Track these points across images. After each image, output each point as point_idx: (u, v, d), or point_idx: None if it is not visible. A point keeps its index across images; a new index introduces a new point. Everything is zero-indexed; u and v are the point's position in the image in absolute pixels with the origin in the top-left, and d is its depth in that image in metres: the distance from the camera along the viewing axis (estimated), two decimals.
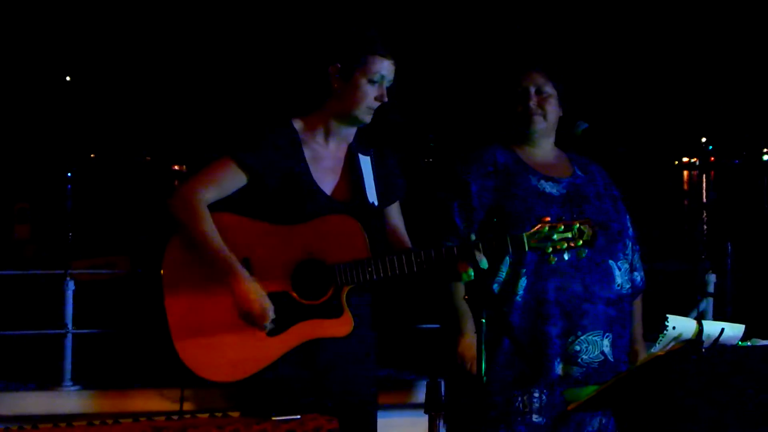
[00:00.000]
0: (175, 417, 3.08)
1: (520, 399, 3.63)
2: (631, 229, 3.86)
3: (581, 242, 3.31)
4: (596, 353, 3.67)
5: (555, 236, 3.30)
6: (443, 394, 3.69)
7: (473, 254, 3.25)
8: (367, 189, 3.50)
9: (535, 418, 3.62)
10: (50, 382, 5.45)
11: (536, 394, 3.63)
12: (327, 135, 3.52)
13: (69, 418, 3.09)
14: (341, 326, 3.36)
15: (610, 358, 3.69)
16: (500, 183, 3.73)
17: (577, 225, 3.31)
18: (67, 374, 5.44)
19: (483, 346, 3.02)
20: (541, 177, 3.76)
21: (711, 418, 2.94)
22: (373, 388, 3.54)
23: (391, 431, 4.02)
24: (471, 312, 3.70)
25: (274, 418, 3.02)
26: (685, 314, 4.35)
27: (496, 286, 3.66)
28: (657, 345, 3.02)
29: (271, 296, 3.31)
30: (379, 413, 3.58)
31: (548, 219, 3.33)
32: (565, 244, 3.30)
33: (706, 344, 2.97)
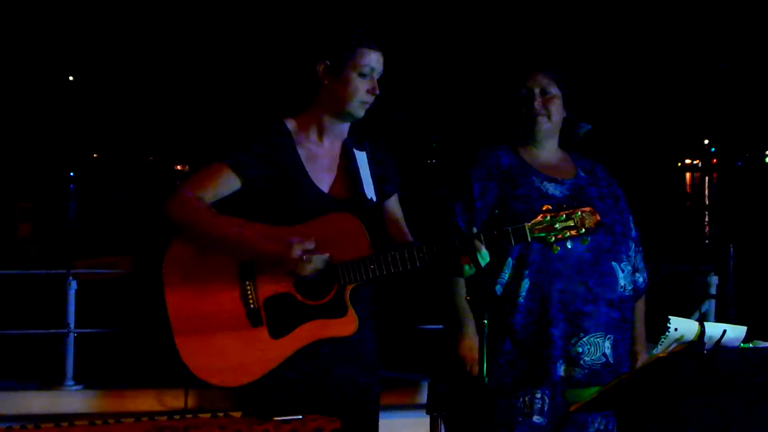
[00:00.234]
0: (176, 417, 3.08)
1: (522, 400, 3.63)
2: (633, 231, 3.86)
3: (583, 230, 3.31)
4: (598, 355, 3.67)
5: (557, 225, 3.30)
6: (445, 394, 3.70)
7: (474, 249, 3.24)
8: (364, 185, 3.49)
9: (536, 419, 3.62)
10: (52, 381, 5.45)
11: (538, 396, 3.63)
12: (321, 133, 3.50)
13: (71, 418, 3.09)
14: (346, 325, 3.36)
15: (611, 359, 3.69)
16: (503, 184, 3.73)
17: (579, 213, 3.31)
18: (69, 374, 5.44)
19: (485, 347, 3.02)
20: (545, 178, 3.76)
21: (713, 420, 2.94)
22: (375, 389, 3.54)
23: None
24: (473, 312, 3.71)
25: (275, 419, 3.02)
26: (687, 316, 4.35)
27: (498, 288, 3.66)
28: (659, 346, 3.02)
29: (274, 298, 3.30)
30: (381, 414, 3.58)
31: (549, 207, 3.32)
32: (568, 233, 3.30)
33: (707, 346, 2.97)
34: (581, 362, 3.65)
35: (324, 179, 3.46)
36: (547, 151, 3.85)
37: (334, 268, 3.33)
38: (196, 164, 3.55)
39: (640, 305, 3.90)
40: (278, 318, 3.32)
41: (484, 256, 3.26)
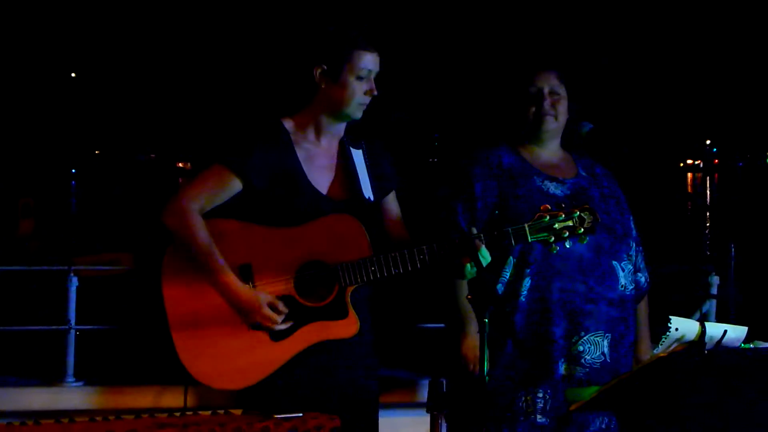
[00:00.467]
0: (177, 414, 3.08)
1: (523, 399, 3.63)
2: (634, 230, 3.86)
3: (582, 230, 3.32)
4: (597, 354, 3.67)
5: (556, 225, 3.31)
6: (445, 393, 3.69)
7: (474, 248, 3.24)
8: (362, 184, 3.48)
9: (538, 418, 3.62)
10: (53, 377, 5.45)
11: (540, 395, 3.63)
12: (318, 132, 3.50)
13: (71, 414, 3.09)
14: (347, 327, 3.35)
15: (609, 359, 3.69)
16: (504, 184, 3.72)
17: (578, 212, 3.33)
18: (70, 370, 5.44)
19: (486, 346, 3.02)
20: (546, 178, 3.75)
21: (713, 420, 2.94)
22: (375, 388, 3.53)
23: (393, 430, 4.02)
24: (474, 312, 3.71)
25: (275, 416, 3.02)
26: (688, 316, 4.35)
27: (500, 287, 3.66)
28: (659, 346, 3.02)
29: None
30: (381, 412, 3.58)
31: (548, 207, 3.33)
32: (567, 233, 3.31)
33: (708, 346, 2.97)
34: (582, 361, 3.65)
35: (322, 179, 3.46)
36: (549, 150, 3.85)
37: (335, 270, 3.33)
38: (198, 162, 3.55)
39: (643, 306, 3.90)
40: None
41: (485, 256, 3.26)
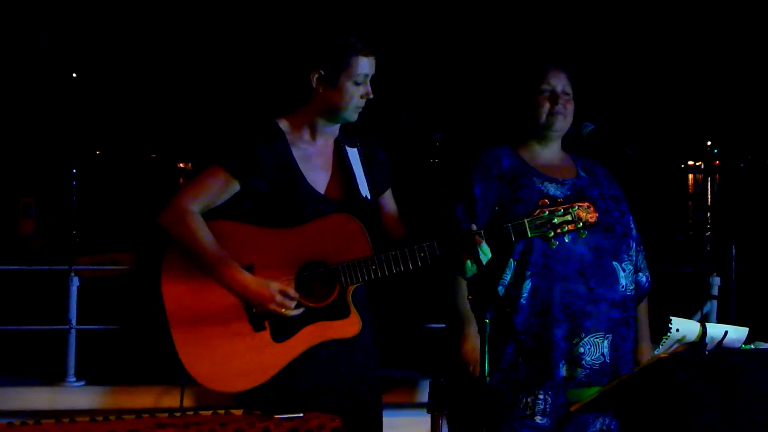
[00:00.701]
0: (177, 414, 3.08)
1: (524, 401, 3.63)
2: (634, 230, 3.85)
3: (581, 224, 3.34)
4: (597, 355, 3.67)
5: (555, 220, 3.33)
6: (446, 393, 3.69)
7: (474, 245, 3.24)
8: (359, 183, 3.49)
9: (539, 419, 3.63)
10: (54, 377, 5.45)
11: (541, 396, 3.63)
12: (313, 132, 3.50)
13: (72, 414, 3.09)
14: (349, 327, 3.36)
15: (608, 359, 3.69)
16: (504, 186, 3.72)
17: (576, 207, 3.34)
18: (71, 370, 5.44)
19: (486, 346, 3.02)
20: (545, 179, 3.75)
21: (714, 421, 2.94)
22: (376, 388, 3.53)
23: (395, 430, 4.02)
24: (474, 312, 3.71)
25: (276, 416, 3.02)
26: (689, 317, 4.35)
27: (501, 289, 3.66)
28: (660, 347, 3.02)
29: None
30: (383, 412, 3.58)
31: (546, 202, 3.34)
32: (566, 227, 3.33)
33: (709, 347, 2.97)
34: (583, 362, 3.65)
35: (319, 179, 3.46)
36: (551, 150, 3.85)
37: (336, 270, 3.33)
38: (198, 162, 3.54)
39: (643, 306, 3.90)
40: (281, 321, 3.31)
41: (485, 252, 3.27)
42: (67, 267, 5.61)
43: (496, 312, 3.53)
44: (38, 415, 3.31)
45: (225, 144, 3.44)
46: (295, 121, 3.49)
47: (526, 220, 3.33)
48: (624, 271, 3.74)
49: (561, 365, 3.64)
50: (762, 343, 3.13)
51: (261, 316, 3.30)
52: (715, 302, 5.86)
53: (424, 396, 4.51)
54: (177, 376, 3.34)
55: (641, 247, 3.87)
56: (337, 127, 3.52)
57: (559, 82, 3.78)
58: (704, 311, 5.87)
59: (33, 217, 24.07)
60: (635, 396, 3.04)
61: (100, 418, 3.00)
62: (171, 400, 5.00)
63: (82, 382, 5.43)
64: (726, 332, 3.00)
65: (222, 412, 3.10)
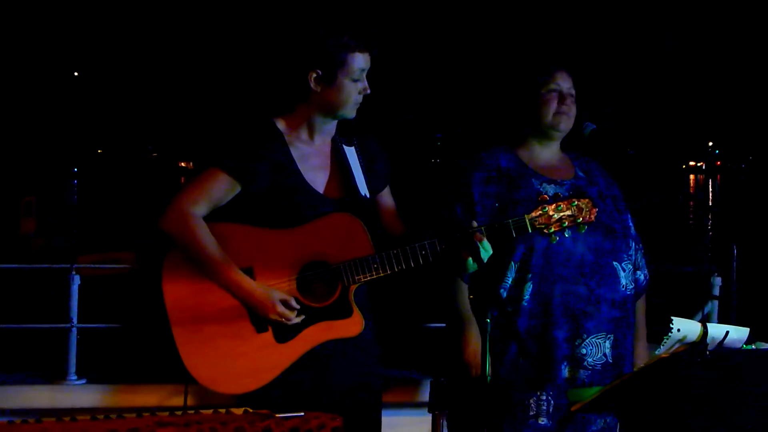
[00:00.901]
0: (178, 412, 3.07)
1: (527, 402, 3.62)
2: (632, 228, 3.85)
3: (581, 218, 3.35)
4: (599, 355, 3.67)
5: (555, 215, 3.33)
6: (447, 393, 3.69)
7: (474, 243, 3.24)
8: (357, 181, 3.48)
9: (541, 421, 3.62)
10: (55, 375, 5.45)
11: (543, 398, 3.62)
12: (311, 132, 3.49)
13: (73, 412, 3.09)
14: (352, 326, 3.35)
15: (611, 359, 3.69)
16: (503, 188, 3.72)
17: (576, 202, 3.35)
18: (72, 368, 5.44)
19: (487, 346, 3.02)
20: (544, 180, 3.74)
21: (714, 421, 2.94)
22: (377, 386, 3.53)
23: (395, 430, 4.02)
24: (476, 312, 3.70)
25: (277, 416, 3.02)
26: (690, 317, 4.35)
27: (503, 292, 3.65)
28: (661, 347, 3.01)
29: None
30: (383, 412, 3.58)
31: (546, 197, 3.34)
32: (566, 222, 3.34)
33: (710, 347, 2.96)
34: (585, 363, 3.64)
35: (318, 179, 3.45)
36: (551, 150, 3.84)
37: (337, 269, 3.32)
38: (199, 163, 3.53)
39: (641, 304, 3.89)
40: (283, 322, 3.31)
41: (486, 248, 3.27)
42: (68, 265, 5.60)
43: (498, 314, 3.54)
44: (39, 413, 3.31)
45: (223, 145, 3.43)
46: (293, 120, 3.48)
47: (526, 216, 3.34)
48: (624, 270, 3.74)
49: (563, 367, 3.63)
50: (763, 343, 3.12)
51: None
52: (716, 302, 5.85)
53: (424, 395, 4.51)
54: (178, 374, 3.33)
55: (640, 245, 3.87)
56: (334, 125, 3.52)
57: (565, 83, 3.77)
58: (705, 311, 5.86)
59: (34, 216, 24.11)
60: (636, 396, 3.04)
61: (101, 417, 3.00)
62: (172, 398, 4.99)
63: (83, 381, 5.42)
64: (727, 332, 3.00)
65: (223, 411, 3.09)
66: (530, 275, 3.64)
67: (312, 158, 3.47)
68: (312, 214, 3.36)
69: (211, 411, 3.08)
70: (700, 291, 5.92)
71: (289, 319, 3.27)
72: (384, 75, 3.49)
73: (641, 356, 3.84)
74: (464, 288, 3.68)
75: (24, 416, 3.06)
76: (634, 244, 3.82)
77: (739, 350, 3.03)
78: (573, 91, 3.78)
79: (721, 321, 5.66)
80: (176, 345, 3.28)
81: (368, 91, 3.44)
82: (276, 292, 3.28)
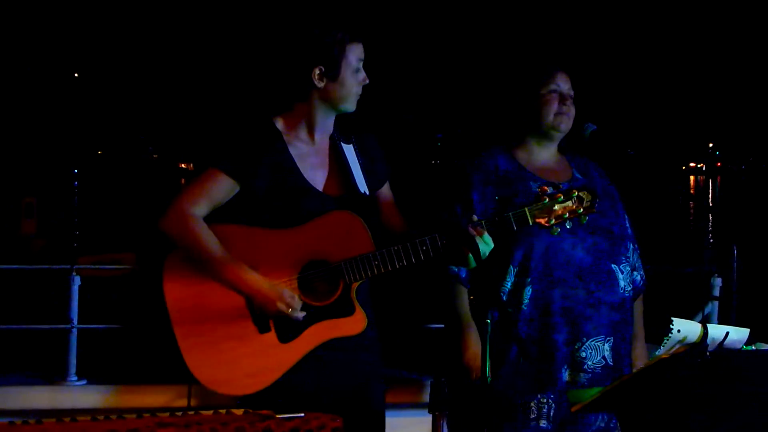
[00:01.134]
0: (179, 413, 3.07)
1: (528, 406, 3.62)
2: (629, 229, 3.85)
3: (582, 209, 3.33)
4: (599, 358, 3.67)
5: (556, 207, 3.31)
6: (447, 394, 3.69)
7: (473, 240, 3.24)
8: (356, 179, 3.48)
9: (542, 424, 3.62)
10: (55, 376, 5.46)
11: (544, 401, 3.62)
12: (311, 130, 3.49)
13: (73, 413, 3.09)
14: (355, 324, 3.35)
15: (610, 362, 3.69)
16: (501, 190, 3.72)
17: (576, 192, 3.33)
18: (72, 369, 5.45)
19: (488, 346, 3.01)
20: (542, 182, 3.74)
21: (714, 421, 2.94)
22: (380, 386, 3.53)
23: (396, 430, 4.02)
24: (476, 313, 3.70)
25: (277, 416, 3.02)
26: (690, 317, 4.35)
27: (503, 296, 3.65)
28: (661, 348, 3.01)
29: None
30: (385, 412, 3.58)
31: (547, 189, 3.33)
32: (567, 213, 3.32)
33: (710, 348, 2.96)
34: (585, 367, 3.64)
35: (317, 177, 3.46)
36: (549, 152, 3.84)
37: (338, 267, 3.32)
38: (198, 163, 3.53)
39: (639, 305, 3.89)
40: (286, 322, 3.31)
41: (487, 242, 3.26)
42: (68, 266, 5.61)
43: (499, 319, 3.53)
44: (40, 414, 3.32)
45: (223, 146, 3.43)
46: (292, 119, 3.49)
47: (526, 208, 3.31)
48: (622, 272, 3.74)
49: (563, 370, 3.63)
50: (763, 344, 3.12)
51: (265, 317, 3.30)
52: (716, 303, 5.86)
53: (425, 396, 4.51)
54: (179, 375, 3.33)
55: (637, 245, 3.87)
56: (332, 123, 3.52)
57: (565, 84, 3.78)
58: (705, 312, 5.87)
59: (34, 217, 24.11)
60: (636, 396, 3.04)
61: (101, 418, 3.00)
62: (173, 399, 5.00)
63: (84, 381, 5.43)
64: (727, 333, 3.00)
65: (223, 411, 3.09)
66: (529, 279, 3.64)
67: (311, 157, 3.47)
68: (312, 212, 3.36)
69: (211, 412, 3.08)
70: (700, 292, 5.93)
71: (295, 310, 3.26)
72: (384, 75, 3.49)
73: (640, 356, 3.84)
74: (464, 291, 3.68)
75: (24, 417, 3.06)
76: (631, 245, 3.82)
77: (739, 351, 3.03)
78: (572, 92, 3.79)
79: (721, 322, 5.67)
80: (178, 346, 3.28)
81: (367, 81, 3.46)
82: (281, 285, 3.29)
